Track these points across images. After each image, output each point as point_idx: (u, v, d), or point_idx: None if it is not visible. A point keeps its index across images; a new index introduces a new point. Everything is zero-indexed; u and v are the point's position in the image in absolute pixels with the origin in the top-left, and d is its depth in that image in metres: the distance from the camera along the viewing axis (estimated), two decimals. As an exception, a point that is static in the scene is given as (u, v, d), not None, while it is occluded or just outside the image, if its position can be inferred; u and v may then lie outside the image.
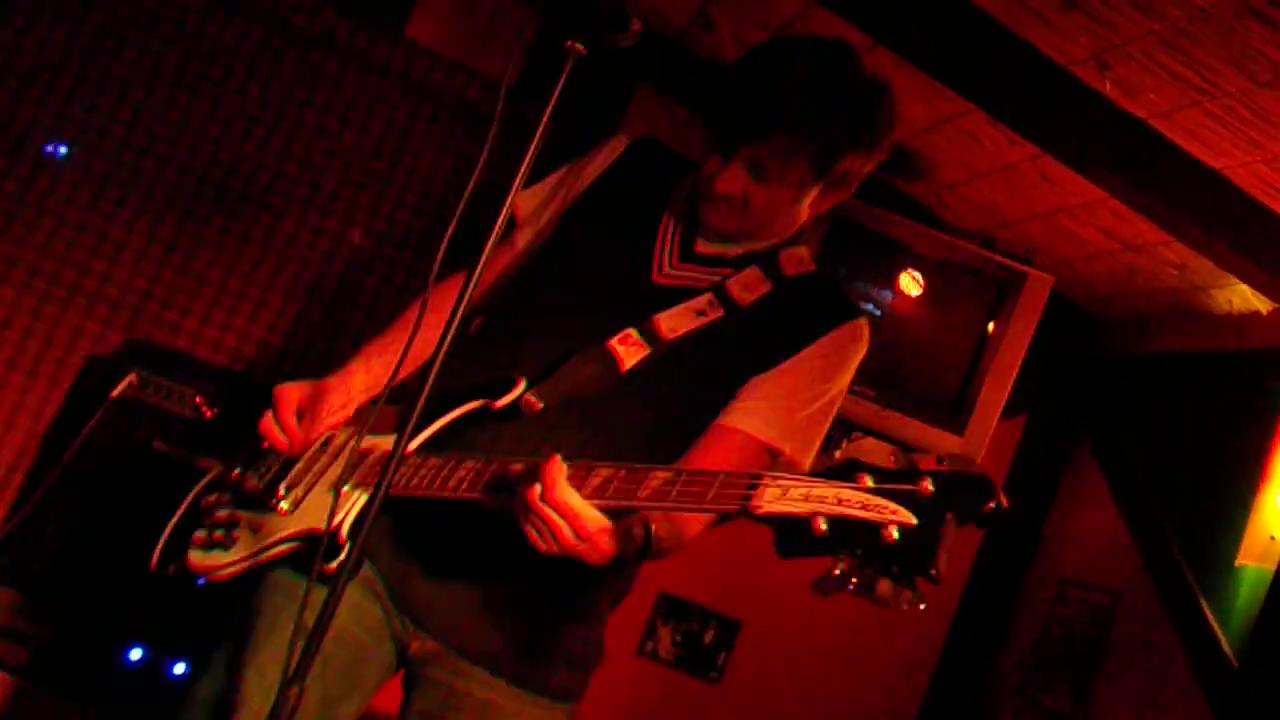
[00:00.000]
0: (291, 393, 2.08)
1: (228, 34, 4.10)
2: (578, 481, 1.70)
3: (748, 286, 2.11)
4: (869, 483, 1.45)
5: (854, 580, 1.44)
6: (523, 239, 2.28)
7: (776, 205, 2.07)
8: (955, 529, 1.39)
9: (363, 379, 2.12)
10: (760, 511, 1.51)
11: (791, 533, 1.47)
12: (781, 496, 1.49)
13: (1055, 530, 4.69)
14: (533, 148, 1.70)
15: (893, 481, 1.44)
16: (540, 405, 1.99)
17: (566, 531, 1.70)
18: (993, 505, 1.39)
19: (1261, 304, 3.83)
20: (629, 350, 2.04)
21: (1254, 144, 3.02)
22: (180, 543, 2.13)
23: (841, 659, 4.66)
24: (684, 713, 4.56)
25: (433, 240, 4.14)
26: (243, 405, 3.61)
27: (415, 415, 1.62)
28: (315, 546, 1.83)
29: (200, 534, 2.11)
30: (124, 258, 3.99)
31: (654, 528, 1.80)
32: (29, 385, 3.93)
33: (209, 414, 3.58)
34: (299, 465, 2.10)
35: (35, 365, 3.94)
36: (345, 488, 1.97)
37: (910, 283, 3.98)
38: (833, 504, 1.44)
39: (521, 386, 1.99)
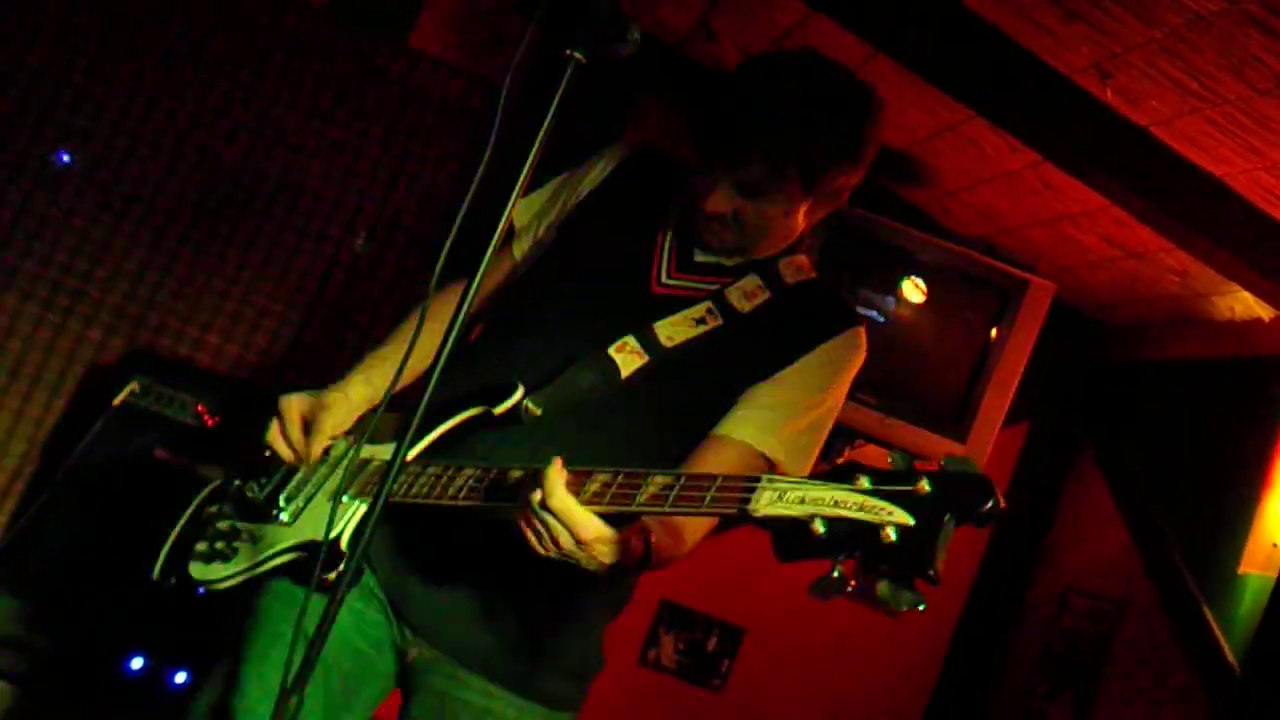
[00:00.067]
0: (296, 405, 2.08)
1: (232, 44, 4.11)
2: (576, 487, 1.70)
3: (747, 295, 2.12)
4: (866, 484, 1.45)
5: (853, 582, 1.44)
6: (521, 248, 2.29)
7: (768, 220, 2.07)
8: (953, 529, 1.38)
9: (364, 390, 2.12)
10: (758, 514, 1.51)
11: (789, 535, 1.47)
12: (779, 499, 1.49)
13: (1058, 538, 4.69)
14: (532, 156, 1.70)
15: (890, 483, 1.43)
16: (539, 412, 1.99)
17: (565, 537, 1.70)
18: (990, 505, 1.38)
19: (1263, 311, 3.82)
20: (627, 358, 2.04)
21: (1254, 151, 3.02)
22: (182, 553, 2.13)
23: (845, 667, 4.65)
24: (687, 722, 4.56)
25: (436, 249, 4.15)
26: (245, 413, 3.61)
27: (414, 424, 1.63)
28: (315, 556, 1.83)
29: (201, 545, 2.11)
30: (126, 267, 4.00)
31: (653, 538, 1.80)
32: (31, 393, 3.94)
33: (211, 422, 3.58)
34: (299, 475, 2.11)
35: (38, 373, 3.94)
36: (345, 497, 1.97)
37: (913, 290, 3.98)
38: (830, 506, 1.44)
39: (520, 393, 1.99)
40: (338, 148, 4.19)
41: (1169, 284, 4.04)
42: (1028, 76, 3.14)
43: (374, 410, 2.08)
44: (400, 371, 1.80)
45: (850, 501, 1.43)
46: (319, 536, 1.92)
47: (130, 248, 4.01)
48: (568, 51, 1.73)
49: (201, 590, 2.09)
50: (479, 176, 1.70)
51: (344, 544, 1.91)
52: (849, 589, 1.43)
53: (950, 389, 3.97)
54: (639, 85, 4.33)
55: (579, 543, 1.70)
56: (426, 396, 1.64)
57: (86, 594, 3.42)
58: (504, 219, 1.70)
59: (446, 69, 4.26)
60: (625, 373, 2.04)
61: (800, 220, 2.12)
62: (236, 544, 2.07)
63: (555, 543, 1.71)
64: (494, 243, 1.69)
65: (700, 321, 2.08)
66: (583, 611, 2.12)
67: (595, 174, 2.25)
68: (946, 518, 1.38)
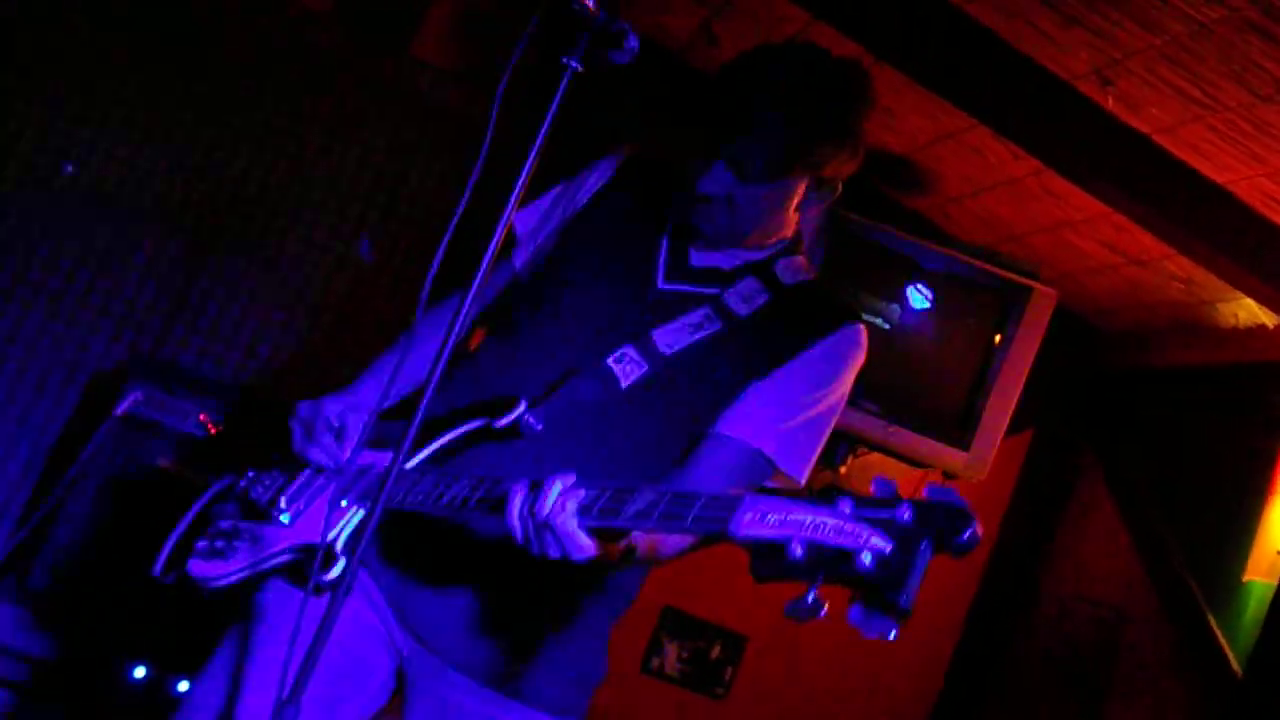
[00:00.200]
0: (322, 410, 2.09)
1: (235, 54, 4.12)
2: (564, 502, 1.71)
3: (745, 298, 2.12)
4: (847, 509, 1.44)
5: (827, 605, 1.43)
6: (522, 256, 2.29)
7: (762, 204, 2.07)
8: (930, 558, 1.38)
9: (375, 394, 2.14)
10: (738, 535, 1.51)
11: (767, 556, 1.47)
12: (759, 520, 1.50)
13: (1061, 545, 4.68)
14: (529, 164, 1.71)
15: (871, 508, 1.43)
16: (540, 425, 2.00)
17: (554, 551, 1.72)
18: (969, 535, 1.38)
19: (1268, 317, 3.82)
20: (627, 368, 2.04)
21: (1256, 158, 3.03)
22: (184, 550, 2.15)
23: (848, 674, 4.65)
24: (690, 730, 4.56)
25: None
26: (247, 421, 3.62)
27: (412, 432, 1.63)
28: (312, 559, 1.84)
29: (203, 543, 2.12)
30: (129, 274, 4.01)
31: (635, 545, 1.83)
32: (34, 402, 3.94)
33: (213, 430, 3.58)
34: (302, 478, 2.12)
35: (41, 382, 3.95)
36: (344, 501, 1.98)
37: (916, 297, 3.98)
38: (809, 529, 1.44)
39: (521, 406, 2.00)
40: (340, 156, 4.19)
41: (1172, 290, 4.03)
42: (1028, 83, 3.15)
43: (381, 417, 2.08)
44: (391, 381, 1.81)
45: (829, 525, 1.43)
46: (317, 539, 1.93)
47: (133, 256, 4.01)
48: (565, 60, 1.73)
49: (206, 591, 2.10)
50: (470, 186, 1.71)
51: (339, 547, 1.91)
52: (823, 614, 1.43)
53: (953, 396, 3.97)
54: (638, 91, 4.34)
55: (566, 555, 1.71)
56: (422, 407, 1.65)
57: (89, 602, 3.42)
58: (501, 227, 1.71)
59: (449, 78, 4.27)
60: (625, 383, 2.04)
61: (793, 210, 2.13)
62: (237, 543, 2.08)
63: (544, 553, 1.73)
64: (491, 253, 1.69)
65: (698, 327, 2.08)
66: (584, 617, 2.11)
67: (593, 182, 2.25)
68: (924, 545, 1.37)
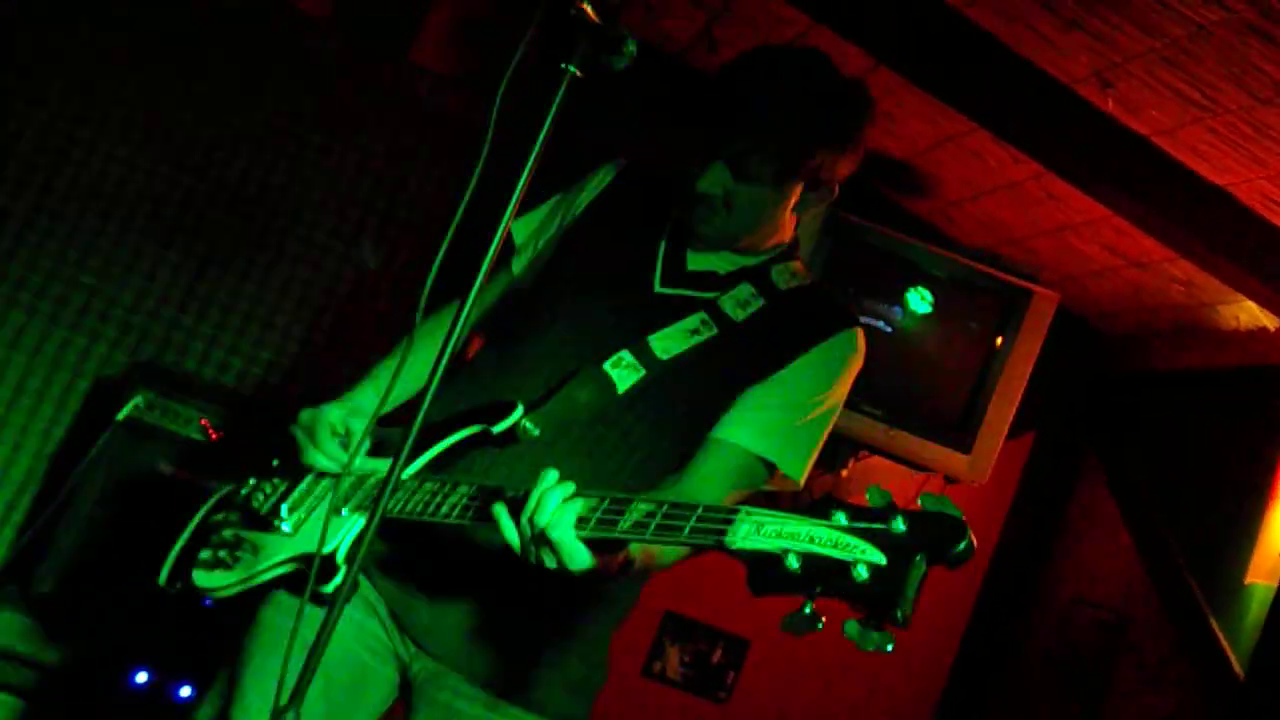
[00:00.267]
0: (326, 417, 2.08)
1: (234, 59, 4.12)
2: (561, 514, 1.71)
3: (740, 304, 2.12)
4: (842, 520, 1.44)
5: (823, 619, 1.43)
6: (520, 263, 2.30)
7: (758, 205, 2.08)
8: (925, 570, 1.38)
9: (374, 400, 2.13)
10: (734, 547, 1.51)
11: (763, 569, 1.47)
12: (755, 532, 1.49)
13: (1062, 547, 4.67)
14: (528, 169, 1.71)
15: (866, 520, 1.43)
16: (537, 432, 2.00)
17: (550, 561, 1.72)
18: (964, 547, 1.38)
19: (1269, 320, 3.82)
20: (623, 373, 2.05)
21: (1257, 160, 3.02)
22: (188, 560, 2.15)
23: (851, 678, 4.65)
24: (692, 733, 4.55)
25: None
26: (249, 427, 3.62)
27: (410, 440, 1.63)
28: (311, 568, 1.84)
29: (206, 553, 2.12)
30: (131, 280, 4.01)
31: (633, 558, 1.83)
32: (36, 407, 3.94)
33: (215, 436, 3.58)
34: (303, 487, 2.12)
35: (43, 387, 3.95)
36: (344, 510, 1.98)
37: (918, 300, 3.98)
38: (805, 541, 1.44)
39: (519, 411, 2.00)
40: (339, 160, 4.19)
41: (1173, 293, 4.03)
42: (1028, 87, 3.15)
43: (381, 424, 2.08)
44: (390, 388, 1.81)
45: (825, 538, 1.43)
46: (317, 549, 1.93)
47: (135, 262, 4.02)
48: (563, 65, 1.74)
49: (208, 600, 2.10)
50: (469, 192, 1.71)
51: (339, 557, 1.91)
52: (820, 626, 1.43)
53: (955, 400, 3.97)
54: (638, 96, 4.34)
55: (562, 567, 1.71)
56: (421, 414, 1.65)
57: (91, 608, 3.42)
58: (499, 234, 1.71)
59: (449, 84, 4.27)
60: (622, 388, 2.04)
61: (790, 211, 2.13)
62: (239, 553, 2.08)
63: (540, 564, 1.73)
64: (490, 259, 1.69)
65: (695, 333, 2.08)
66: (585, 623, 2.12)
67: (591, 189, 2.26)
68: (918, 558, 1.37)
